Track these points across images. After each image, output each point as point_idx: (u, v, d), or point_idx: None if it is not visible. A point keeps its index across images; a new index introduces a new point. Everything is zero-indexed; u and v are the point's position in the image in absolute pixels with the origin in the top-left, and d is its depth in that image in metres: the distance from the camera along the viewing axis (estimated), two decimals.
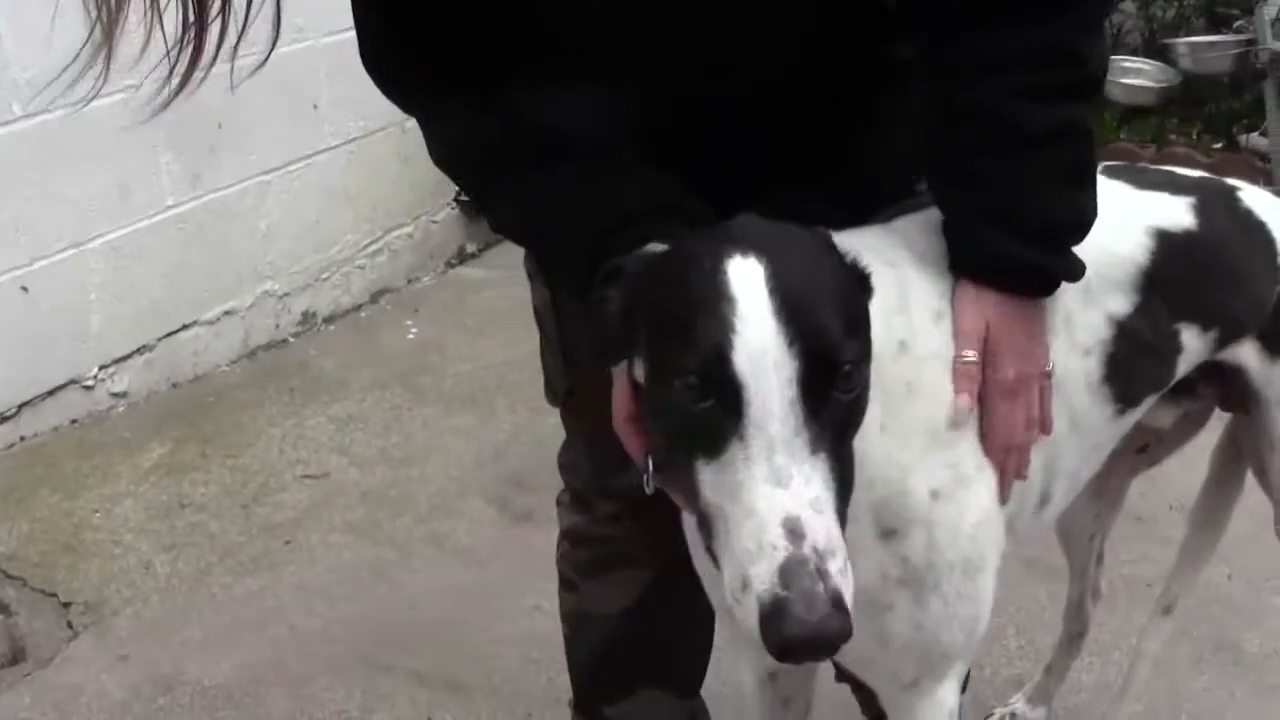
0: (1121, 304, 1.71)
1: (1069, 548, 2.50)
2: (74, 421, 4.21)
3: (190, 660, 3.10)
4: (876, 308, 1.39)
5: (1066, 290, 1.59)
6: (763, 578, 1.17)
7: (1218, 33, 6.12)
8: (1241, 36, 5.76)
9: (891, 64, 1.65)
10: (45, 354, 4.10)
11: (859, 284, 1.37)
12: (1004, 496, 1.58)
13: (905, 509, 1.51)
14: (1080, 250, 1.56)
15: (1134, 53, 6.42)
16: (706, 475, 1.26)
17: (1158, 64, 6.12)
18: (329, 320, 5.09)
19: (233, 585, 3.39)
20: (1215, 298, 1.82)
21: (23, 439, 4.07)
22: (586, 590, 2.13)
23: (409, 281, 5.44)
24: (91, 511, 3.73)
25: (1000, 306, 1.54)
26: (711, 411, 1.24)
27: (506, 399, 4.32)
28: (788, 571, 1.16)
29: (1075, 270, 1.57)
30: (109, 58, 1.42)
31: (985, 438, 1.55)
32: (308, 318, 5.00)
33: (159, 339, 4.44)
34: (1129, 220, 1.74)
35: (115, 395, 4.31)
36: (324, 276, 5.04)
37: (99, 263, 4.19)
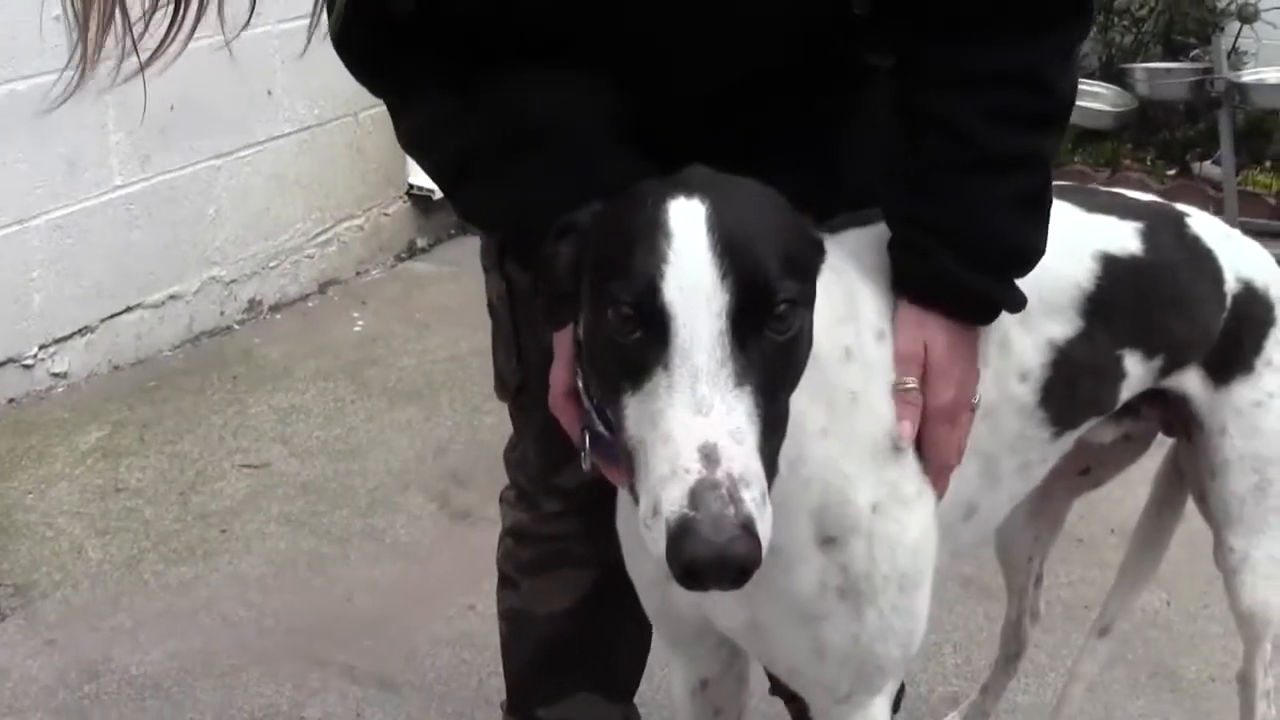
0: (1063, 328, 1.71)
1: (1007, 568, 2.50)
2: (11, 400, 4.15)
3: (119, 647, 3.05)
4: (823, 311, 1.38)
5: (1005, 315, 1.59)
6: (673, 500, 1.16)
7: (1175, 60, 6.15)
8: (1198, 65, 5.80)
9: (863, 70, 1.65)
10: None
11: (809, 241, 1.36)
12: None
13: (845, 517, 1.50)
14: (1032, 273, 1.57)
15: (1091, 76, 6.45)
16: (631, 408, 1.26)
17: (1115, 88, 6.14)
18: (275, 309, 5.04)
19: (165, 573, 3.35)
20: (1160, 325, 1.83)
21: None
22: (528, 588, 2.10)
23: (357, 274, 5.40)
24: (25, 493, 3.68)
25: (942, 331, 1.54)
26: (641, 341, 1.24)
27: (450, 395, 4.29)
28: (698, 494, 1.15)
29: (1018, 302, 1.57)
30: (86, 58, 1.40)
31: (924, 460, 1.56)
32: (254, 305, 4.96)
33: (101, 320, 4.39)
34: (1075, 244, 1.74)
35: (55, 375, 4.26)
36: (272, 265, 4.99)
37: (42, 240, 4.13)
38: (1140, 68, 6.07)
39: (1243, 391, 1.93)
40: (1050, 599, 3.04)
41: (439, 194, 5.61)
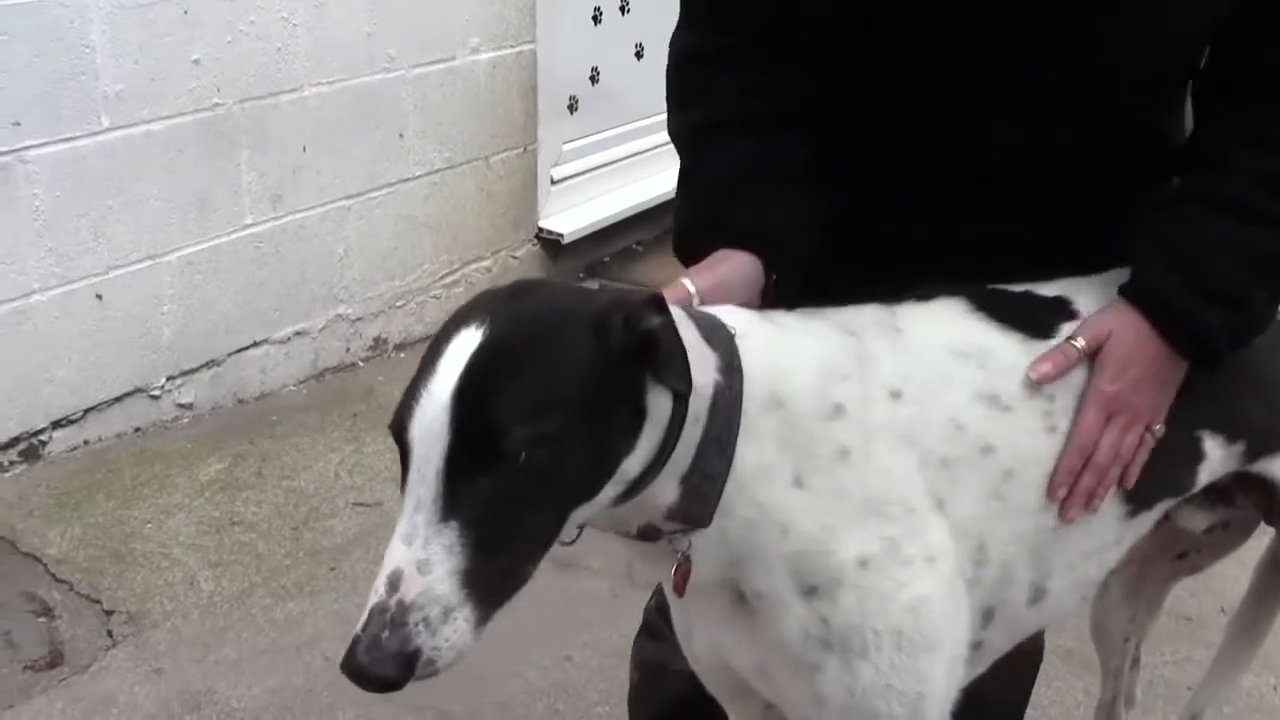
0: None
1: (1102, 648, 2.46)
2: (137, 429, 4.26)
3: (222, 680, 3.12)
4: (809, 368, 1.53)
5: (1073, 384, 1.67)
6: (356, 629, 1.32)
7: None
8: None
9: (1164, 150, 1.78)
10: (114, 361, 4.15)
11: (616, 362, 1.40)
12: (1069, 517, 1.66)
13: (826, 568, 1.53)
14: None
15: None
16: None
17: None
18: (400, 348, 5.12)
19: (273, 608, 3.41)
20: (1242, 408, 1.80)
21: (86, 443, 4.13)
22: (673, 642, 2.10)
23: None
24: (144, 522, 3.77)
25: (1133, 329, 1.65)
26: (401, 467, 1.37)
27: None
28: (369, 617, 1.31)
29: (1221, 353, 1.67)
30: None
31: (1067, 444, 1.66)
32: (379, 344, 5.04)
33: (228, 354, 4.49)
34: None
35: (181, 406, 4.36)
36: (398, 304, 5.07)
37: (174, 276, 4.24)
38: None
39: None
40: (1154, 678, 2.99)
41: (568, 237, 5.69)
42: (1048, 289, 1.75)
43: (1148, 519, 1.80)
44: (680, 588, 1.55)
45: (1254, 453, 1.84)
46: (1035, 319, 1.70)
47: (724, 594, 1.58)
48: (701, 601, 1.62)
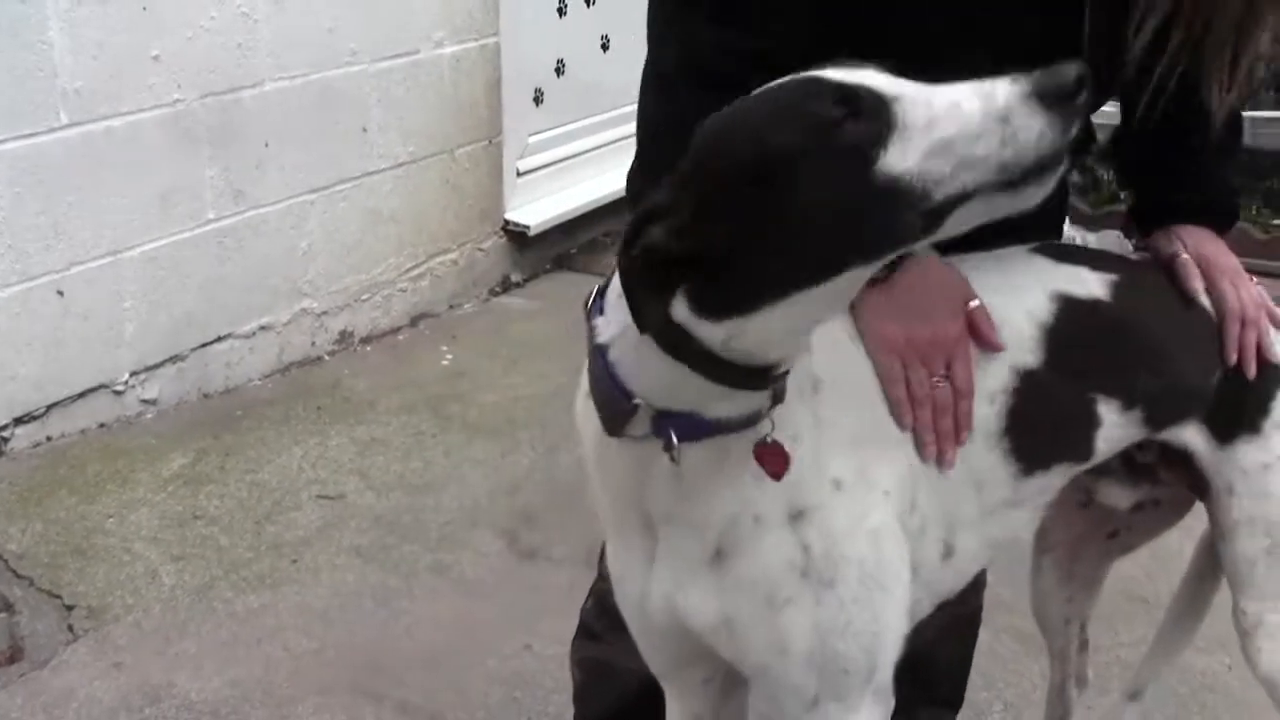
0: (1024, 357, 1.78)
1: (1045, 631, 2.48)
2: (102, 425, 4.26)
3: (182, 673, 3.13)
4: None
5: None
6: (1001, 87, 1.27)
7: None
8: None
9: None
10: (77, 357, 4.15)
11: None
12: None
13: (810, 489, 1.58)
14: (986, 303, 1.76)
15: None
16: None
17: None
18: (366, 341, 5.13)
19: (234, 601, 3.42)
20: (1133, 375, 1.85)
21: (49, 439, 4.13)
22: (615, 643, 2.10)
23: (450, 307, 5.47)
24: (106, 517, 3.77)
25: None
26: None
27: (530, 432, 4.33)
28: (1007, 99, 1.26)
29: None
30: None
31: (1221, 312, 1.91)
32: (345, 337, 5.05)
33: (192, 349, 4.49)
34: (1035, 282, 1.84)
35: (145, 402, 4.37)
36: (364, 297, 5.08)
37: (135, 272, 4.24)
38: (1244, 116, 5.97)
39: (1249, 452, 1.92)
40: (1110, 659, 3.02)
41: (535, 229, 5.69)
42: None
43: (1048, 482, 1.85)
44: (781, 469, 1.54)
45: (1156, 420, 1.89)
46: None
47: (707, 537, 1.59)
48: (675, 548, 1.63)
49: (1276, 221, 6.16)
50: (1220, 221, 2.02)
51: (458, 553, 3.67)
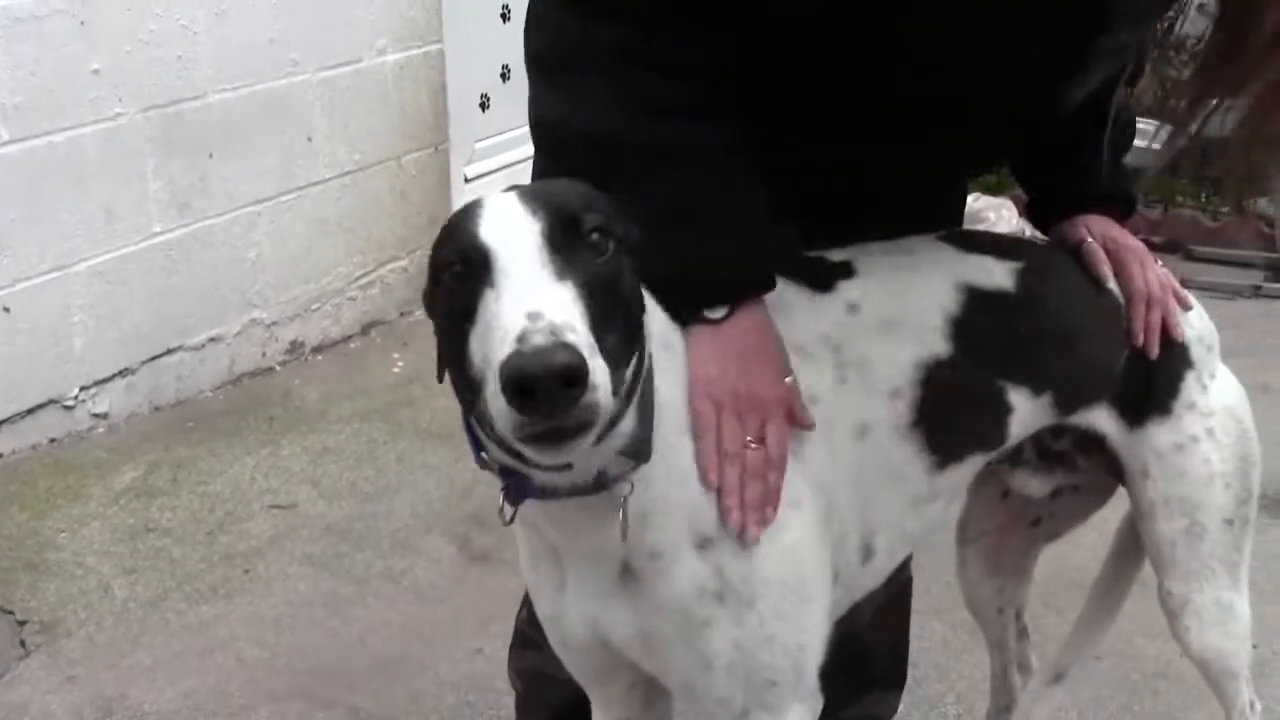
0: (930, 349, 1.79)
1: (980, 621, 2.50)
2: (53, 440, 4.26)
3: (136, 685, 3.13)
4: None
5: (860, 333, 1.75)
6: (504, 355, 1.24)
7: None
8: None
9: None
10: (25, 373, 4.15)
11: (618, 221, 1.46)
12: None
13: (716, 514, 1.58)
14: (892, 295, 1.80)
15: (1146, 113, 6.43)
16: (475, 347, 1.34)
17: (1165, 125, 6.12)
18: (317, 350, 5.14)
19: (187, 612, 3.43)
20: (1043, 359, 1.88)
21: (0, 456, 4.12)
22: (550, 653, 2.13)
23: (401, 314, 5.48)
24: (58, 531, 3.77)
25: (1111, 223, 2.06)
26: (470, 280, 1.35)
27: None
28: (523, 337, 1.24)
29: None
30: None
31: (1129, 293, 1.95)
32: (295, 347, 5.05)
33: (142, 363, 4.49)
34: (943, 274, 1.85)
35: (96, 416, 4.36)
36: (314, 307, 5.08)
37: (82, 286, 4.24)
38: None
39: (1161, 434, 1.95)
40: (1059, 646, 3.04)
41: None
42: (837, 254, 1.85)
43: (961, 472, 1.87)
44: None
45: (1066, 404, 1.92)
46: (821, 278, 1.80)
47: (615, 565, 1.60)
48: (584, 575, 1.64)
49: (1225, 209, 6.23)
50: (1123, 209, 2.09)
51: (410, 559, 3.68)
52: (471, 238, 1.36)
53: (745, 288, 1.66)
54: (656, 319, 1.59)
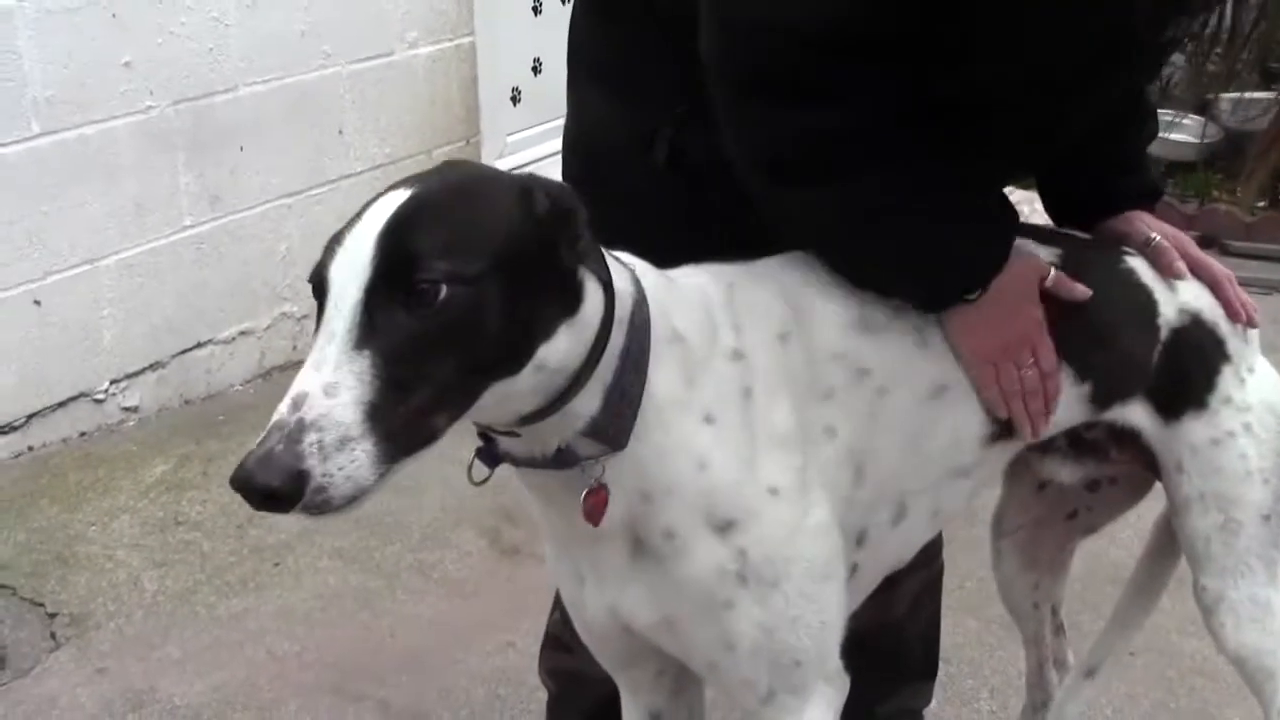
0: None
1: (1015, 616, 2.46)
2: (83, 434, 4.26)
3: (165, 678, 3.13)
4: (701, 310, 1.60)
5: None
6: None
7: (1269, 89, 6.07)
8: None
9: None
10: (56, 367, 4.15)
11: (536, 228, 1.43)
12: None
13: (742, 500, 1.58)
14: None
15: (1182, 107, 6.37)
16: None
17: (1200, 120, 6.07)
18: None
19: (217, 605, 3.42)
20: (1082, 349, 1.86)
21: (30, 449, 4.13)
22: (584, 653, 2.11)
23: None
24: (88, 525, 3.77)
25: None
26: (318, 313, 1.37)
27: None
28: (267, 433, 1.28)
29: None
30: None
31: (1213, 278, 1.97)
32: None
33: (172, 356, 4.49)
34: None
35: (126, 410, 4.36)
36: None
37: (113, 279, 4.25)
38: (1226, 98, 5.95)
39: (1197, 429, 1.93)
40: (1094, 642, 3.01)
41: None
42: None
43: (1006, 450, 1.88)
44: (597, 516, 1.54)
45: (1102, 398, 1.90)
46: None
47: (624, 544, 1.60)
48: (600, 554, 1.63)
49: (1261, 204, 6.17)
50: (1153, 202, 2.09)
51: (440, 552, 3.67)
52: (323, 267, 1.37)
53: (998, 269, 1.76)
54: (678, 314, 1.58)
